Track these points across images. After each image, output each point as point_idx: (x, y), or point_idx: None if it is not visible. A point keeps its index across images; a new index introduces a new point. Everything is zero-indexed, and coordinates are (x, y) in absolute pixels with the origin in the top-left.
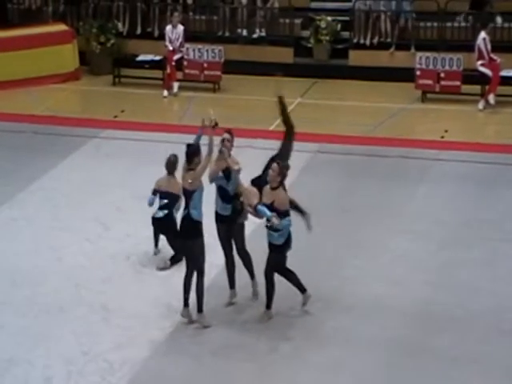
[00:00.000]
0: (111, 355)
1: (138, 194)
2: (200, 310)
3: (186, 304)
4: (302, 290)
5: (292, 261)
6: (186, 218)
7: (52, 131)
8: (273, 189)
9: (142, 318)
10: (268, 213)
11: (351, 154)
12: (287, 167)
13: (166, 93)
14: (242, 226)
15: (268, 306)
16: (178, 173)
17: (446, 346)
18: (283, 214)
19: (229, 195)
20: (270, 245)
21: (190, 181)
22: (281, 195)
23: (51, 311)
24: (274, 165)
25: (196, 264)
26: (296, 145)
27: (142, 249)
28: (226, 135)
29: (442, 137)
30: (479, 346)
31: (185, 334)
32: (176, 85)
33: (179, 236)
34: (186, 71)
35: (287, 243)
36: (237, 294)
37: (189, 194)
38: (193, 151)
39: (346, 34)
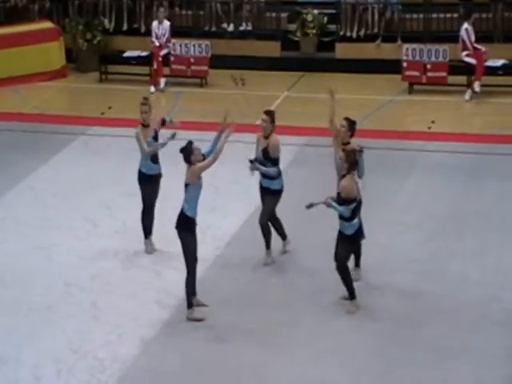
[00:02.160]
0: (101, 353)
1: (127, 191)
2: (189, 305)
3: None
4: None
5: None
6: (180, 210)
7: (39, 129)
8: (342, 177)
9: (132, 315)
10: (339, 208)
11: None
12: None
13: (152, 89)
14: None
15: (351, 296)
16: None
17: (436, 337)
18: (347, 202)
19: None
20: (341, 234)
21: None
22: (345, 183)
23: (40, 310)
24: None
25: (185, 259)
26: (284, 138)
27: (131, 246)
28: (263, 116)
29: (429, 128)
30: (469, 335)
31: (175, 330)
32: (163, 80)
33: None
34: (173, 66)
35: (358, 233)
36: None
37: (185, 187)
38: (187, 154)
39: (332, 27)
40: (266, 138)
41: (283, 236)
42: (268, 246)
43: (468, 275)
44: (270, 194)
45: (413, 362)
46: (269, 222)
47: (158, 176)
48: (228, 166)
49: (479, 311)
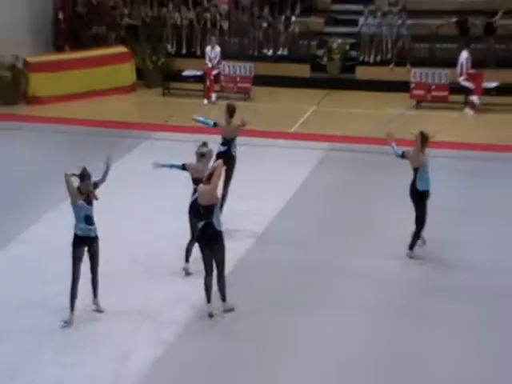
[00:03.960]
0: (160, 315)
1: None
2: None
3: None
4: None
5: (308, 227)
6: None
7: (115, 133)
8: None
9: (184, 287)
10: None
11: (358, 151)
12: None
13: (206, 102)
14: None
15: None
16: None
17: (426, 311)
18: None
19: None
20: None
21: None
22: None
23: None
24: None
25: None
26: (312, 144)
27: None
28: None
29: (433, 137)
30: (460, 310)
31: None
32: (214, 95)
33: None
34: (223, 84)
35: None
36: None
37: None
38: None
39: (353, 53)
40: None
41: None
42: None
43: (459, 259)
44: None
45: (404, 332)
46: None
47: None
48: (269, 165)
49: (468, 291)
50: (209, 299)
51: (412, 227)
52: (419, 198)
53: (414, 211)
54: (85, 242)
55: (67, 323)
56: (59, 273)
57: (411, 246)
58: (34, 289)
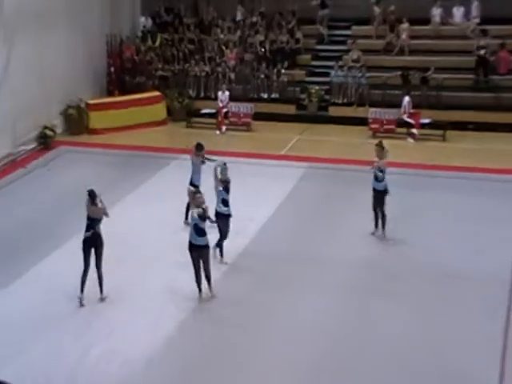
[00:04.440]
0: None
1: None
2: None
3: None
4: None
5: (291, 225)
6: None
7: (150, 155)
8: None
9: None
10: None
11: (330, 169)
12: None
13: (218, 132)
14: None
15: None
16: None
17: (384, 289)
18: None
19: None
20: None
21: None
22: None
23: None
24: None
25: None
26: (296, 164)
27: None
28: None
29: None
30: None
31: (233, 272)
32: (224, 128)
33: None
34: (230, 119)
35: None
36: None
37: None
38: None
39: (327, 97)
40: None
41: None
42: None
43: (415, 245)
44: None
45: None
46: None
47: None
48: (263, 178)
49: (426, 271)
50: (200, 289)
51: (371, 226)
52: (378, 194)
53: (372, 213)
54: (93, 241)
55: (80, 300)
56: None
57: (382, 228)
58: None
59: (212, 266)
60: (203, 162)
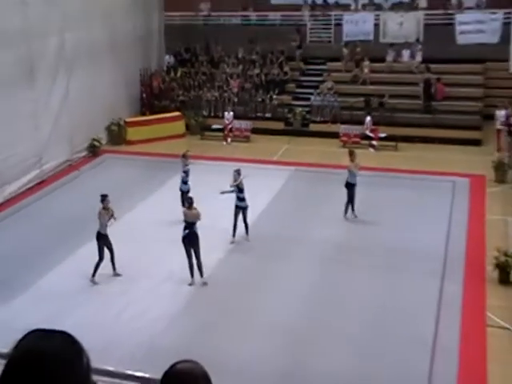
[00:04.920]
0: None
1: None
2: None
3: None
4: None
5: (281, 213)
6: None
7: (172, 161)
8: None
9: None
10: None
11: (311, 172)
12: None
13: (224, 143)
14: None
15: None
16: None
17: (353, 262)
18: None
19: None
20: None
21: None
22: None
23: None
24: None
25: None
26: (285, 167)
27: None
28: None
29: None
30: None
31: (236, 251)
32: (229, 139)
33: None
34: (234, 133)
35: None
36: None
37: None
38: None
39: (308, 116)
40: None
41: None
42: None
43: (370, 232)
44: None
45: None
46: None
47: None
48: (260, 178)
49: (377, 251)
50: (192, 274)
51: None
52: (349, 186)
53: (346, 202)
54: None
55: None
56: None
57: (352, 211)
58: None
59: (223, 243)
60: (185, 172)
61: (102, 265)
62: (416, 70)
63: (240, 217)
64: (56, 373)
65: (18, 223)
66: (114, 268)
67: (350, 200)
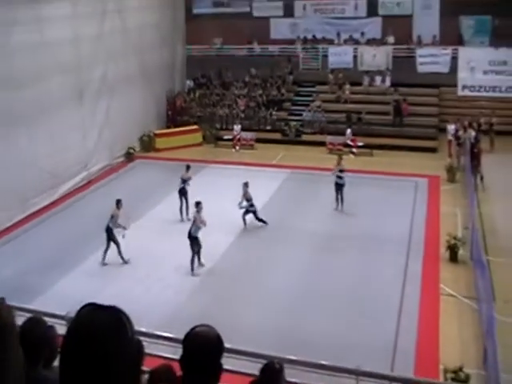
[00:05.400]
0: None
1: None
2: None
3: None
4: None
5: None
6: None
7: (191, 164)
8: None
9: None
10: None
11: (304, 174)
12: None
13: (233, 150)
14: None
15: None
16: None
17: (335, 247)
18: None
19: None
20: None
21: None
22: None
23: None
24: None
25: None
26: (282, 170)
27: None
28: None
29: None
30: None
31: (243, 240)
32: (237, 147)
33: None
34: (242, 142)
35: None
36: None
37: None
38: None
39: (301, 128)
40: None
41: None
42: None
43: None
44: None
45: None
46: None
47: None
48: (261, 179)
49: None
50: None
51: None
52: (337, 185)
53: (335, 199)
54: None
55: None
56: None
57: (341, 205)
58: None
59: (231, 232)
60: (184, 184)
61: (137, 253)
62: (386, 91)
63: (249, 215)
64: (103, 343)
65: (70, 215)
66: (104, 257)
67: (339, 197)
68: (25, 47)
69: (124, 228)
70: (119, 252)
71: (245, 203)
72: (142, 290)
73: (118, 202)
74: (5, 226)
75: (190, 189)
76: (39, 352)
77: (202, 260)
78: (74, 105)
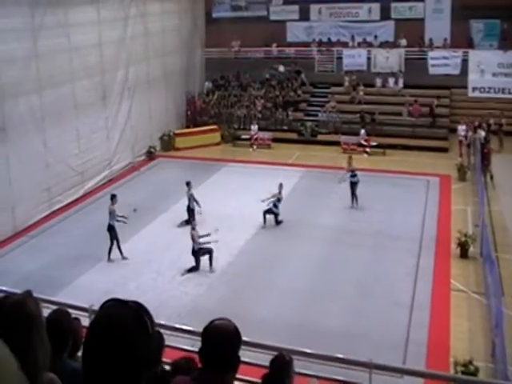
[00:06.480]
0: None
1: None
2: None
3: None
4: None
5: (293, 203)
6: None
7: (210, 163)
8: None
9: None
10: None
11: (319, 172)
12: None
13: (251, 149)
14: None
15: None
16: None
17: (346, 241)
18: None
19: None
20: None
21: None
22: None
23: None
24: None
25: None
26: (298, 168)
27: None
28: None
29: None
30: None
31: (260, 235)
32: (255, 146)
33: None
34: (259, 142)
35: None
36: None
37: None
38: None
39: (317, 129)
40: None
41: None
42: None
43: (356, 215)
44: None
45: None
46: None
47: None
48: (279, 177)
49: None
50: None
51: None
52: (351, 183)
53: (349, 195)
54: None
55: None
56: None
57: (356, 202)
58: None
59: (249, 228)
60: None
61: (160, 248)
62: (398, 93)
63: (270, 216)
64: (123, 337)
65: (96, 210)
66: (109, 255)
67: (353, 195)
68: (53, 51)
69: (125, 218)
70: (118, 247)
71: (270, 199)
72: (162, 282)
73: (113, 198)
74: (32, 221)
75: (212, 186)
76: (64, 342)
77: (214, 265)
78: (98, 106)
